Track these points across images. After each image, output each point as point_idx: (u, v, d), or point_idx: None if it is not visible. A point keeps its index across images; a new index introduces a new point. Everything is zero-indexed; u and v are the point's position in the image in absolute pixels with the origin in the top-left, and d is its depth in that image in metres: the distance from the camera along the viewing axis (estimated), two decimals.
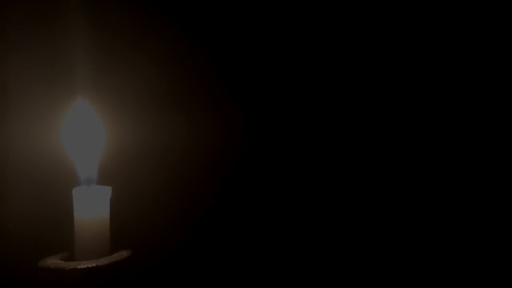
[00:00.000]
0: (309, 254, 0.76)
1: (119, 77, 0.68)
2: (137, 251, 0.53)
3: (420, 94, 0.77)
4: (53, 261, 0.51)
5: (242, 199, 0.76)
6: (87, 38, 0.66)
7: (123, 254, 0.53)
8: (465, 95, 0.76)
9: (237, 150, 0.74)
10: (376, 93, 0.77)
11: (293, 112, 0.77)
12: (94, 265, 0.51)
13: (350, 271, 0.76)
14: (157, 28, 0.70)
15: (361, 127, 0.77)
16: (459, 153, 0.77)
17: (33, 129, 0.65)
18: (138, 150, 0.68)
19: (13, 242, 0.63)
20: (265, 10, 0.75)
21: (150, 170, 0.70)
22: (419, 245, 0.76)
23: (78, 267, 0.50)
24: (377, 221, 0.77)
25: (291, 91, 0.76)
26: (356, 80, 0.77)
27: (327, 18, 0.76)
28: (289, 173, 0.77)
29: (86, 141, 0.54)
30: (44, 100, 0.65)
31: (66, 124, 0.54)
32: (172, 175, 0.71)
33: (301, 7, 0.76)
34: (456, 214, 0.76)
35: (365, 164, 0.77)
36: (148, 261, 0.64)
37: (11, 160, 0.64)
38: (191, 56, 0.73)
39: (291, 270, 0.76)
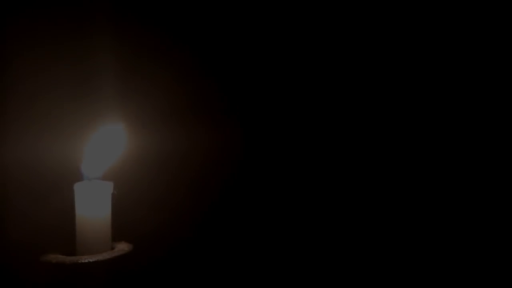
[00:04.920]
0: (308, 254, 0.76)
1: (137, 99, 0.72)
2: (138, 246, 0.54)
3: (420, 94, 0.77)
4: (55, 256, 0.51)
5: (241, 200, 0.77)
6: (111, 56, 0.71)
7: (124, 249, 0.53)
8: (465, 95, 0.76)
9: (235, 154, 0.76)
10: (374, 95, 0.77)
11: (293, 119, 0.78)
12: (95, 259, 0.51)
13: (350, 271, 0.76)
14: (166, 56, 0.74)
15: (360, 136, 0.78)
16: (459, 153, 0.77)
17: (45, 131, 0.68)
18: (146, 154, 0.70)
19: (15, 237, 0.64)
20: (264, 25, 0.77)
21: (156, 171, 0.72)
22: (419, 245, 0.76)
23: (79, 261, 0.50)
24: (377, 221, 0.77)
25: (290, 99, 0.78)
26: (354, 90, 0.78)
27: (323, 29, 0.77)
28: (287, 177, 0.78)
29: (103, 145, 0.55)
30: (65, 106, 0.68)
31: (86, 128, 0.55)
32: (175, 177, 0.73)
33: (299, 20, 0.77)
34: (456, 214, 0.76)
35: (363, 173, 0.78)
36: (149, 256, 0.64)
37: (14, 157, 0.65)
38: (193, 80, 0.76)
39: (289, 269, 0.76)
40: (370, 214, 0.77)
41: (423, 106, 0.77)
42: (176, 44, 0.75)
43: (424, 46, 0.76)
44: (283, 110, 0.78)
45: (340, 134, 0.78)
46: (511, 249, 0.74)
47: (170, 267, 0.71)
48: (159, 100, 0.72)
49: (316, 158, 0.78)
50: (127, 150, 0.56)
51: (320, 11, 0.77)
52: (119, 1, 0.72)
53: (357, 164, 0.78)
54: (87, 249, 0.52)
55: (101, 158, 0.55)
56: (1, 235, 0.64)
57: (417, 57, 0.76)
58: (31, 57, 0.68)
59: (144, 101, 0.71)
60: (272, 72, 0.78)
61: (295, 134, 0.78)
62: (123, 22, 0.72)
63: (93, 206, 0.53)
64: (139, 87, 0.71)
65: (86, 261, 0.51)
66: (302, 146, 0.78)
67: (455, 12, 0.75)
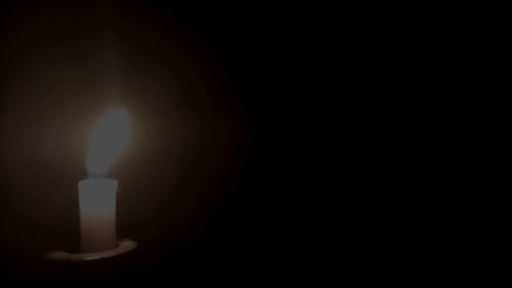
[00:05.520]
0: (320, 256, 0.76)
1: (144, 84, 0.70)
2: (143, 244, 0.54)
3: (420, 94, 0.76)
4: (60, 253, 0.51)
5: (252, 200, 0.76)
6: (117, 36, 0.69)
7: (129, 246, 0.53)
8: (465, 95, 0.76)
9: (249, 152, 0.75)
10: (397, 99, 0.77)
11: (306, 115, 0.77)
12: (100, 257, 0.51)
13: (356, 271, 0.76)
14: (178, 37, 0.73)
15: (374, 129, 0.77)
16: (459, 153, 0.76)
17: (47, 126, 0.67)
18: (155, 149, 0.70)
19: (19, 235, 0.64)
20: (280, 17, 0.76)
21: (165, 168, 0.72)
22: (419, 245, 0.76)
23: (84, 259, 0.50)
24: (381, 222, 0.77)
25: (304, 94, 0.77)
26: (369, 83, 0.77)
27: (342, 23, 0.76)
28: (301, 175, 0.77)
29: (108, 139, 0.55)
30: (68, 97, 0.68)
31: (90, 121, 0.55)
32: (185, 174, 0.72)
33: (317, 12, 0.76)
34: (456, 214, 0.76)
35: (382, 168, 0.77)
36: (154, 254, 0.64)
37: (19, 153, 0.66)
38: (208, 62, 0.74)
39: (299, 271, 0.76)
40: (385, 216, 0.77)
41: (432, 108, 0.77)
42: (189, 24, 0.73)
43: (427, 46, 0.76)
44: (306, 105, 0.77)
45: (355, 132, 0.77)
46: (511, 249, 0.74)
47: (175, 265, 0.71)
48: (170, 88, 0.71)
49: (337, 156, 0.77)
50: (134, 142, 0.56)
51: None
52: None
53: (380, 163, 0.77)
54: (92, 247, 0.52)
55: (106, 153, 0.55)
56: (4, 233, 0.64)
57: (427, 58, 0.76)
58: (34, 43, 0.68)
59: (154, 88, 0.70)
60: (297, 61, 0.76)
61: (316, 131, 0.77)
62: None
63: (97, 204, 0.53)
64: (148, 71, 0.70)
65: (91, 258, 0.51)
66: (324, 144, 0.77)
67: (455, 12, 0.75)
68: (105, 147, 0.55)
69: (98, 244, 0.52)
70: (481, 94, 0.76)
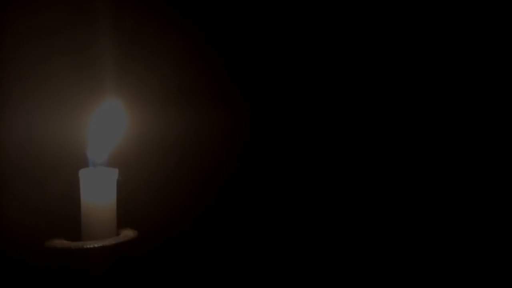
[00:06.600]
0: (312, 253, 0.77)
1: (140, 75, 0.71)
2: (143, 232, 0.54)
3: (420, 94, 0.77)
4: (60, 241, 0.51)
5: (247, 191, 0.77)
6: (112, 27, 0.70)
7: (129, 235, 0.53)
8: (465, 95, 0.77)
9: (243, 144, 0.76)
10: (382, 93, 0.77)
11: (298, 110, 0.78)
12: (101, 245, 0.51)
13: (350, 271, 0.76)
14: (174, 31, 0.74)
15: (365, 124, 0.78)
16: (459, 153, 0.77)
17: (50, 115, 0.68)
18: (152, 139, 0.71)
19: (19, 223, 0.64)
20: (274, 11, 0.76)
21: (161, 159, 0.72)
22: (419, 245, 0.76)
23: (85, 246, 0.50)
24: (377, 221, 0.77)
25: (297, 90, 0.78)
26: (359, 76, 0.78)
27: (333, 17, 0.77)
28: (293, 169, 0.78)
29: (105, 128, 0.55)
30: (65, 87, 0.68)
31: (87, 111, 0.55)
32: (181, 162, 0.73)
33: (308, 7, 0.77)
34: (456, 214, 0.76)
35: (371, 164, 0.78)
36: (154, 243, 0.64)
37: (20, 142, 0.66)
38: (202, 55, 0.75)
39: (292, 266, 0.76)
40: (376, 214, 0.77)
41: (425, 107, 0.77)
42: (184, 18, 0.74)
43: (424, 46, 0.76)
44: (299, 97, 0.77)
45: (348, 129, 0.77)
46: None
47: (175, 253, 0.72)
48: (164, 80, 0.72)
49: (328, 149, 0.77)
50: (131, 132, 0.56)
51: None
52: None
53: (367, 159, 0.77)
54: (93, 235, 0.52)
55: (105, 141, 0.55)
56: (5, 221, 0.64)
57: (420, 57, 0.77)
58: (32, 34, 0.68)
59: (149, 80, 0.71)
60: (290, 55, 0.76)
61: (308, 125, 0.77)
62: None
63: (98, 193, 0.53)
64: (144, 64, 0.71)
65: (92, 246, 0.51)
66: (316, 138, 0.77)
67: (455, 12, 0.76)
68: (104, 136, 0.55)
69: (99, 232, 0.52)
70: (481, 94, 0.76)
